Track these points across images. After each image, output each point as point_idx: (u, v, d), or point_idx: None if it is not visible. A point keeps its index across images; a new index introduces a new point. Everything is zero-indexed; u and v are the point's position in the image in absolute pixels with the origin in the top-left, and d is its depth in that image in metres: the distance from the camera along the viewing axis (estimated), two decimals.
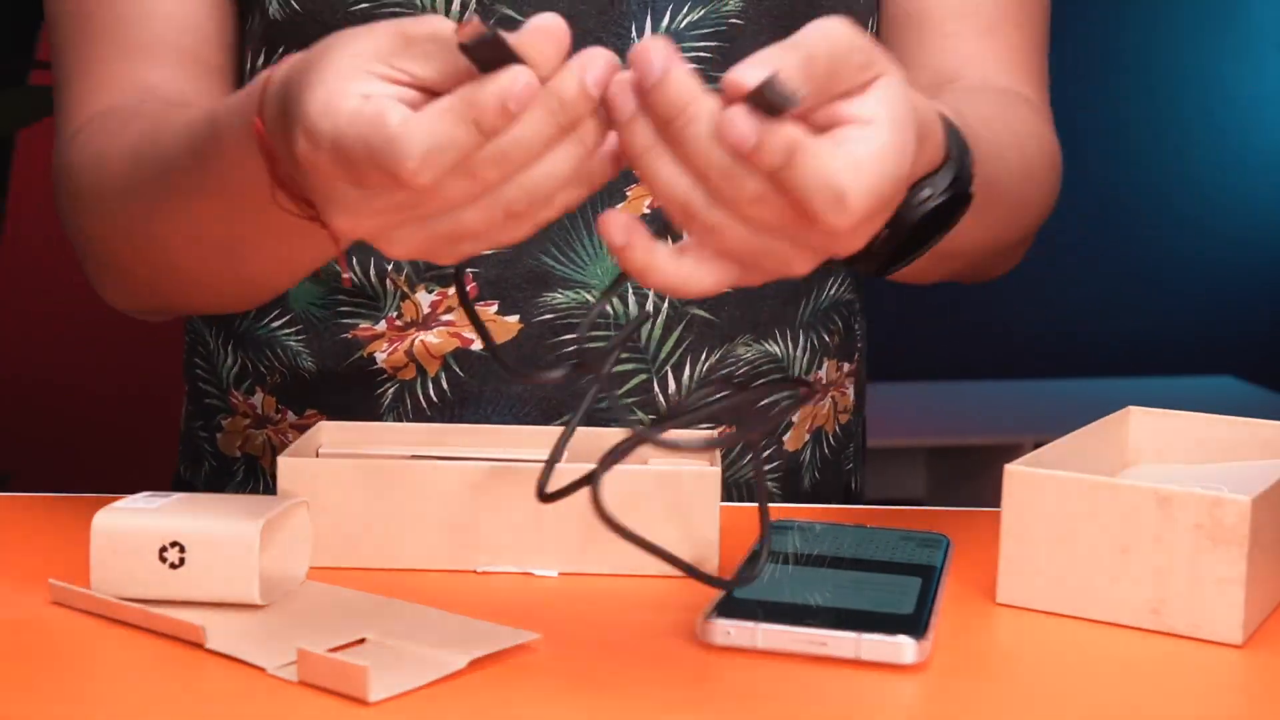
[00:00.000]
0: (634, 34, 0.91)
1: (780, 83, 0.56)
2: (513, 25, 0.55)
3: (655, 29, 0.91)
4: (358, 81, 0.59)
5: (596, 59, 0.58)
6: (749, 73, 0.57)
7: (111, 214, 0.86)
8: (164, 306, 0.88)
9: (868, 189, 0.58)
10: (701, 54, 0.91)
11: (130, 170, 0.83)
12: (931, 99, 0.86)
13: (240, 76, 0.97)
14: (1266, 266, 3.89)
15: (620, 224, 0.59)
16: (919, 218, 0.69)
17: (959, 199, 0.71)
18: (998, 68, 0.97)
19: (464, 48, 0.56)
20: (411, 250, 0.61)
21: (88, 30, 0.94)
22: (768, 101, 0.56)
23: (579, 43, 0.90)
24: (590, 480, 0.70)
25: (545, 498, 0.70)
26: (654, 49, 0.57)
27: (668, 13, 0.91)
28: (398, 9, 0.90)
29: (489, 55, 0.57)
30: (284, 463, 0.76)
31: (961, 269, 0.91)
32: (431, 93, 0.60)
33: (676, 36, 0.91)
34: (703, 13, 0.91)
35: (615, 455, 0.63)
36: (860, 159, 0.58)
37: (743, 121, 0.56)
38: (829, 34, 0.59)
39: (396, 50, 0.60)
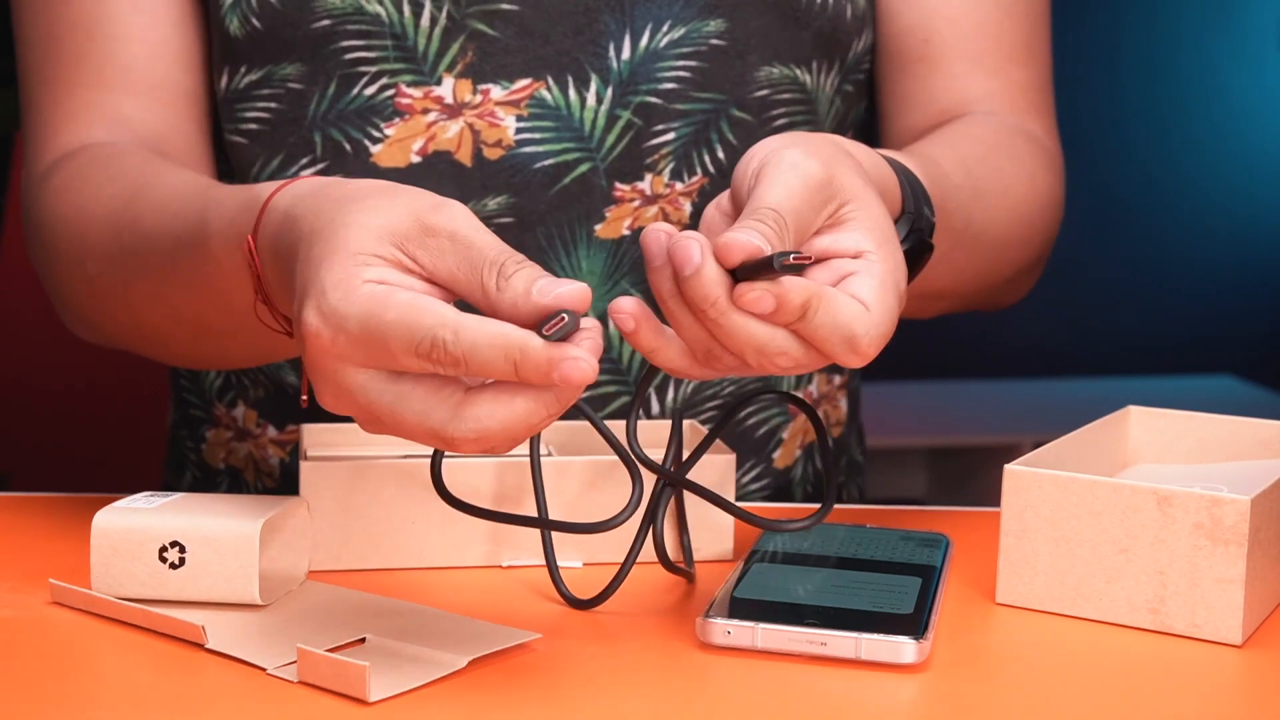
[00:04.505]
0: (611, 53, 0.89)
1: (790, 254, 0.59)
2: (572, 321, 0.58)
3: (634, 48, 0.89)
4: (371, 268, 0.59)
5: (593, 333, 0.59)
6: (745, 244, 0.59)
7: (88, 278, 0.85)
8: (131, 352, 0.88)
9: (877, 331, 0.62)
10: (681, 73, 0.90)
11: (111, 239, 0.82)
12: (918, 139, 0.88)
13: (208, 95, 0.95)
14: (1266, 266, 3.89)
15: (628, 310, 0.62)
16: None
17: (920, 248, 0.73)
18: (1005, 106, 0.97)
19: (543, 335, 0.57)
20: (383, 432, 0.62)
21: (57, 56, 0.90)
22: (768, 268, 0.59)
23: (556, 62, 0.89)
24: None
25: (582, 604, 0.72)
26: (692, 246, 0.59)
27: (646, 32, 0.89)
28: (361, 28, 0.88)
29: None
30: (307, 466, 0.76)
31: (953, 307, 0.93)
32: (433, 282, 0.60)
33: (656, 55, 0.89)
34: (683, 32, 0.90)
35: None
36: (866, 299, 0.62)
37: (759, 291, 0.60)
38: (790, 192, 0.62)
39: (413, 238, 0.59)
